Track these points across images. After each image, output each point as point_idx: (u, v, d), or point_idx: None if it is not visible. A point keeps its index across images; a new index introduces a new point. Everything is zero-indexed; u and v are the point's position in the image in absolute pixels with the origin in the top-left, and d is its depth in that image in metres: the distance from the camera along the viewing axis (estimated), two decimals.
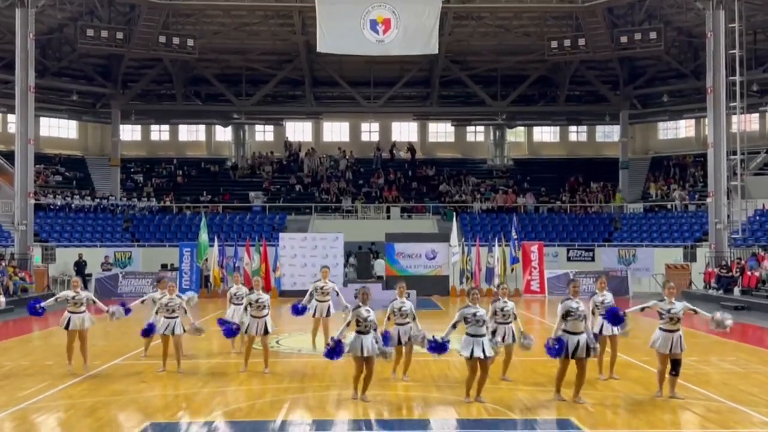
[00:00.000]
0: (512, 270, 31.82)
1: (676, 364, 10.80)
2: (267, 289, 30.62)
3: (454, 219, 32.92)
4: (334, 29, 34.62)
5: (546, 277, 31.38)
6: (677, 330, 10.80)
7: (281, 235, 32.75)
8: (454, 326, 10.79)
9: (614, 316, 11.39)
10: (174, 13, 37.06)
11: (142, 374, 13.11)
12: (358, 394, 10.89)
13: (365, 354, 10.68)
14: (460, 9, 36.85)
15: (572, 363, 10.69)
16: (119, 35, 36.24)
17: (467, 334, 10.65)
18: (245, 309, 13.53)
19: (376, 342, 10.79)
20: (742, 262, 28.82)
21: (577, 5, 36.14)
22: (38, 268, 31.22)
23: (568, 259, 35.17)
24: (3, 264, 28.89)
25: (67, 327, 13.32)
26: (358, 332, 10.78)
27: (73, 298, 13.36)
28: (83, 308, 13.40)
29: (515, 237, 32.14)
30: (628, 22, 37.36)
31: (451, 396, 11.16)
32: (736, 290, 27.47)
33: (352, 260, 34.30)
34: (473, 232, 35.92)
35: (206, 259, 31.22)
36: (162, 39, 36.86)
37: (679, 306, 10.92)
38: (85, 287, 31.79)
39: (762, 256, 28.08)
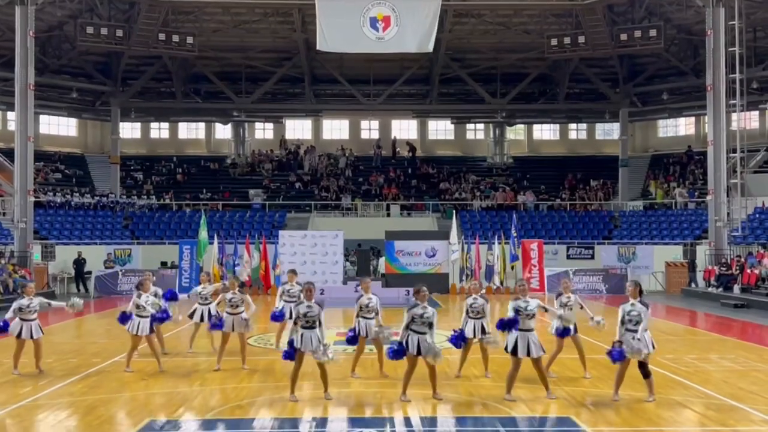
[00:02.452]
0: (512, 268, 31.83)
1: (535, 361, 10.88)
2: (267, 286, 30.83)
3: (454, 217, 32.90)
4: (333, 27, 34.58)
5: (546, 275, 31.39)
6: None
7: (281, 232, 32.72)
8: (406, 327, 10.78)
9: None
10: (173, 10, 37.01)
11: (142, 372, 13.10)
12: (295, 394, 10.90)
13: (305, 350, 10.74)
14: (459, 6, 36.79)
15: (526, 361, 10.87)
16: (119, 33, 36.21)
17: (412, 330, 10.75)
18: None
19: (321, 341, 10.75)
20: (742, 259, 28.84)
21: (577, 3, 36.08)
22: (38, 265, 31.21)
23: (568, 256, 35.15)
24: (3, 262, 28.89)
25: (19, 336, 13.06)
26: (302, 327, 10.80)
27: (28, 306, 13.10)
28: (35, 316, 13.16)
29: (515, 235, 32.14)
30: (628, 19, 37.33)
31: (450, 394, 11.15)
32: (736, 288, 27.49)
33: (351, 258, 34.29)
34: (473, 230, 35.91)
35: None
36: (162, 36, 36.82)
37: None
38: (85, 285, 32.13)
39: (761, 254, 28.09)
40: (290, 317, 15.06)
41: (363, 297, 12.77)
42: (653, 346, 10.81)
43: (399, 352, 10.79)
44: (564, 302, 12.57)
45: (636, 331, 10.55)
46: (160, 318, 13.44)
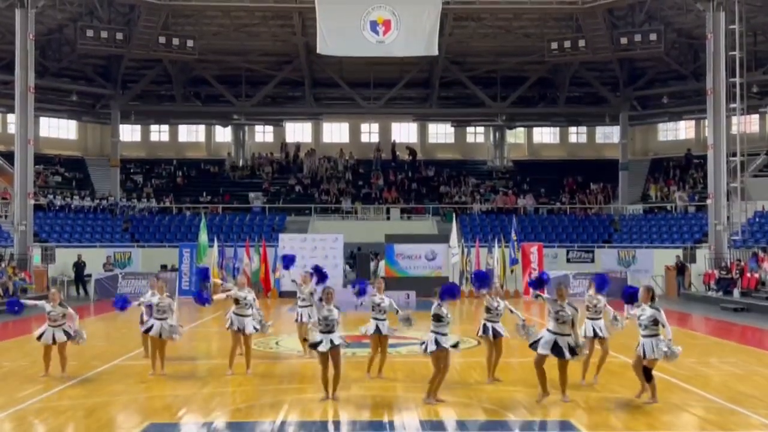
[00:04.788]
0: (512, 271, 31.85)
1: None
2: (266, 290, 30.82)
3: (454, 220, 32.92)
4: (334, 30, 34.62)
5: None
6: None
7: (281, 236, 32.75)
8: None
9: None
10: (173, 13, 37.05)
11: (141, 375, 13.08)
12: (329, 394, 10.97)
13: (326, 349, 10.81)
14: (460, 10, 36.83)
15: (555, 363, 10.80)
16: (119, 36, 36.24)
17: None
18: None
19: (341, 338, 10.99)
20: (742, 263, 28.83)
21: (578, 6, 36.13)
22: (38, 268, 31.20)
23: (568, 260, 35.13)
24: (3, 264, 28.89)
25: (39, 339, 12.93)
26: (321, 332, 10.94)
27: (49, 312, 12.91)
28: (59, 322, 12.90)
29: (515, 238, 32.15)
30: (628, 23, 37.38)
31: (450, 398, 11.14)
32: (736, 292, 27.47)
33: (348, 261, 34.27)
34: (473, 234, 35.90)
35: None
36: (162, 40, 36.86)
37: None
38: (85, 288, 32.12)
39: (762, 257, 28.07)
40: (301, 320, 14.73)
41: (375, 297, 12.76)
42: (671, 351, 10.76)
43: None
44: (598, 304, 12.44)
45: (654, 335, 10.63)
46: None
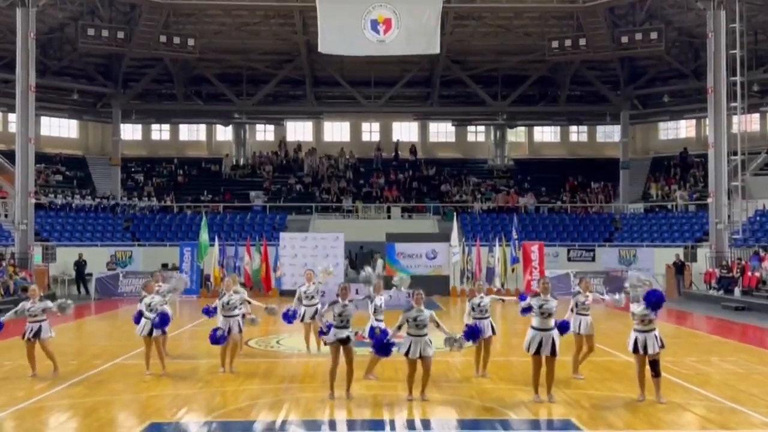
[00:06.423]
0: (513, 270, 31.84)
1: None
2: (267, 289, 30.83)
3: (455, 219, 32.91)
4: (334, 29, 34.58)
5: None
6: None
7: (282, 234, 32.74)
8: (398, 328, 11.08)
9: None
10: (175, 12, 37.05)
11: (142, 374, 13.09)
12: (334, 392, 11.02)
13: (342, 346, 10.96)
14: (460, 9, 36.82)
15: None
16: (120, 35, 36.22)
17: (408, 333, 10.98)
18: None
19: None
20: (743, 262, 28.82)
21: (578, 5, 36.12)
22: (39, 267, 31.19)
23: (569, 259, 35.13)
24: (3, 263, 28.90)
25: (23, 337, 13.09)
26: (336, 327, 11.03)
27: (29, 309, 13.08)
28: (39, 318, 13.09)
29: (516, 237, 32.15)
30: (629, 22, 37.35)
31: (451, 397, 11.16)
32: (737, 291, 27.46)
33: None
34: (474, 232, 35.91)
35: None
36: (163, 38, 36.84)
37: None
38: (86, 287, 32.12)
39: (763, 256, 28.06)
40: (302, 319, 15.41)
41: (376, 298, 13.14)
42: (662, 344, 10.85)
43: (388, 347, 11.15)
44: (582, 301, 12.60)
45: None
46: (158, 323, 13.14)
